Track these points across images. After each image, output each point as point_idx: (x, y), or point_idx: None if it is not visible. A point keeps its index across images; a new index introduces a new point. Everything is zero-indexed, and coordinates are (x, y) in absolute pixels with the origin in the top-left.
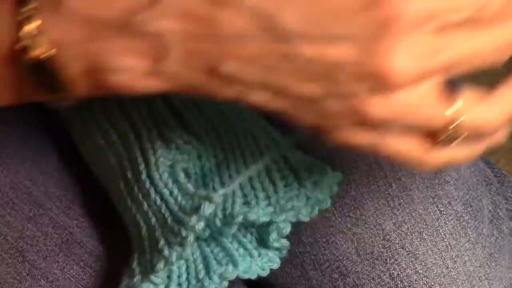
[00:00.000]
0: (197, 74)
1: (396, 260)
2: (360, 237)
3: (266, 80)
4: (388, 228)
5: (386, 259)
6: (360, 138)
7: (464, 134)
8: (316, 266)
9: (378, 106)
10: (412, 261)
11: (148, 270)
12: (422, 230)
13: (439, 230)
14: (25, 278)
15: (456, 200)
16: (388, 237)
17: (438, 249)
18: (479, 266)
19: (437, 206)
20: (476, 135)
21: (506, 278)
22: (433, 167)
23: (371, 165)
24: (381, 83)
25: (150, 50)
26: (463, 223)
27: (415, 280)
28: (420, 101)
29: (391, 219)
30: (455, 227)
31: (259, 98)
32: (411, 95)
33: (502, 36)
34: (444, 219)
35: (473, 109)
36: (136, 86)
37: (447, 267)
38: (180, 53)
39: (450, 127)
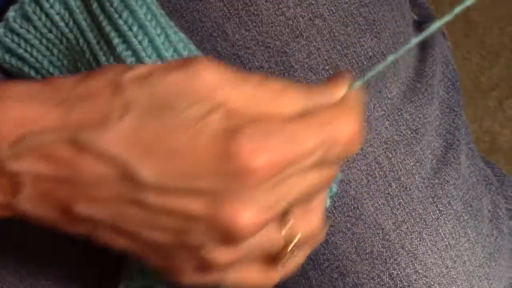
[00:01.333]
0: (49, 211)
1: (395, 259)
2: (360, 236)
3: (116, 223)
4: (387, 227)
5: (385, 259)
6: (205, 279)
7: (300, 246)
8: (316, 266)
9: (224, 254)
10: (411, 261)
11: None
12: (421, 229)
13: (439, 229)
14: None
15: (455, 199)
16: (387, 236)
17: (438, 248)
18: (479, 266)
19: (436, 206)
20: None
21: (506, 277)
22: (276, 282)
23: (371, 164)
24: (228, 238)
25: (6, 185)
26: (463, 222)
27: (415, 280)
28: (261, 239)
29: (390, 219)
30: (455, 226)
31: (109, 238)
32: (254, 239)
33: (325, 175)
34: (444, 219)
35: (304, 223)
36: None
37: (447, 267)
38: (34, 192)
39: (289, 248)
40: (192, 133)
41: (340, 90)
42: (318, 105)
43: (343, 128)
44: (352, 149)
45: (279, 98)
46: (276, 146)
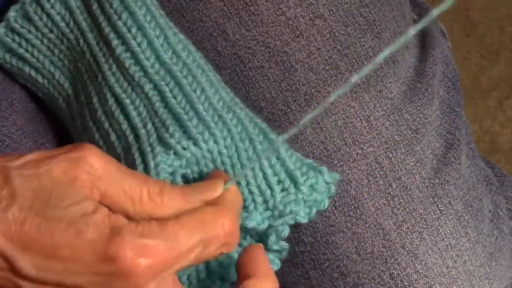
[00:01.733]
0: None
1: (396, 259)
2: (360, 236)
3: None
4: (388, 227)
5: (386, 259)
6: None
7: None
8: (316, 266)
9: None
10: (412, 261)
11: None
12: (422, 229)
13: (439, 229)
14: None
15: (456, 199)
16: (388, 236)
17: (438, 248)
18: (480, 266)
19: (437, 206)
20: None
21: (507, 277)
22: None
23: (371, 164)
24: None
25: None
26: (463, 222)
27: (415, 280)
28: None
29: (391, 219)
30: (455, 226)
31: None
32: None
33: None
34: (444, 219)
35: None
36: None
37: (447, 267)
38: None
39: None
40: (74, 231)
41: (216, 190)
42: (195, 206)
43: (219, 227)
44: (230, 246)
45: (157, 199)
46: (156, 248)
